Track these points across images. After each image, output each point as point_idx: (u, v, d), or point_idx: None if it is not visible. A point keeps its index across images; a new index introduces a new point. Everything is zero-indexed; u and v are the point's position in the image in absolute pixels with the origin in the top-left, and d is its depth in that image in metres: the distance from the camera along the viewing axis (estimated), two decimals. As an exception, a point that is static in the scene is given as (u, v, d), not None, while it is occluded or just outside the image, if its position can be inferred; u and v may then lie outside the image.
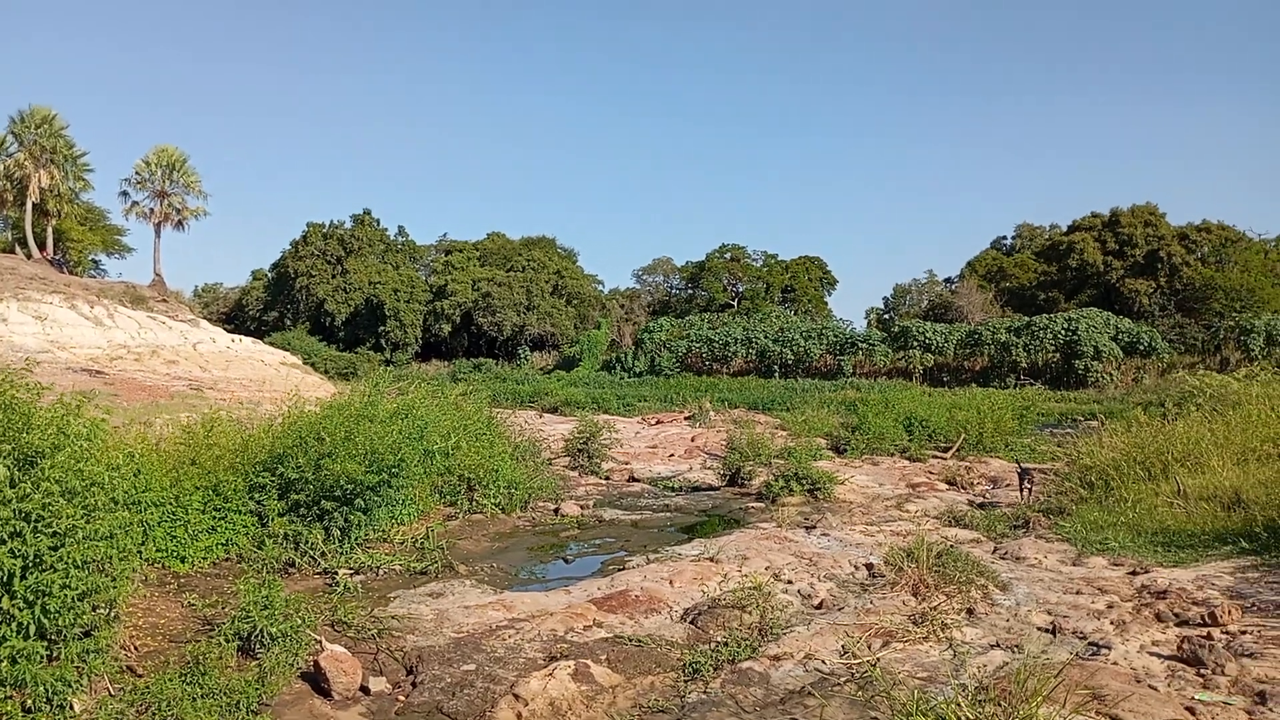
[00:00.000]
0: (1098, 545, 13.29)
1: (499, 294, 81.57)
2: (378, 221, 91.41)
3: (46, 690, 6.29)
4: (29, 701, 6.27)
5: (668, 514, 18.37)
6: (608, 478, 23.02)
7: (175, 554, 10.68)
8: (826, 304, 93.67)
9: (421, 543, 13.29)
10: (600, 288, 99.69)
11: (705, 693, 7.86)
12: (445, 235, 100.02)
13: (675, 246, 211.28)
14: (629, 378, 69.95)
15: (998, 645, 8.94)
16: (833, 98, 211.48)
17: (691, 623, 9.93)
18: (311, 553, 11.77)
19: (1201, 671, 7.74)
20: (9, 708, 6.18)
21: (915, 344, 64.66)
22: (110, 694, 6.97)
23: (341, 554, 12.09)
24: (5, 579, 6.25)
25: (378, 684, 8.00)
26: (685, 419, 39.77)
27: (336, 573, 11.44)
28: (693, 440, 31.13)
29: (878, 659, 8.45)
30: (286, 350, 49.81)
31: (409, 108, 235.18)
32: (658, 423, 38.93)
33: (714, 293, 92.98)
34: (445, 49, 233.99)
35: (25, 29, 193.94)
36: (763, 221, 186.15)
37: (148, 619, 8.86)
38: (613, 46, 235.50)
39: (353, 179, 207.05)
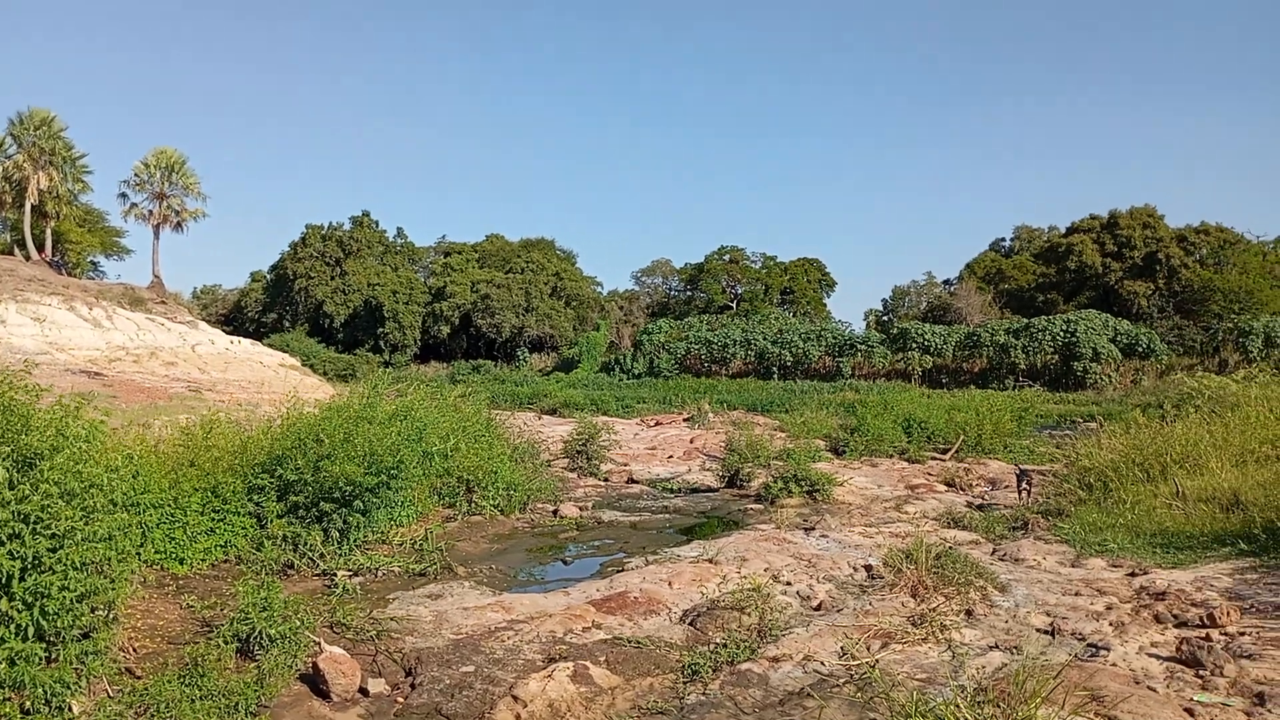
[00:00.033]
0: (1096, 547, 13.30)
1: (498, 296, 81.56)
2: (376, 223, 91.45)
3: (45, 692, 6.29)
4: (28, 703, 6.27)
5: (666, 515, 18.37)
6: (606, 479, 23.02)
7: (174, 556, 10.69)
8: (825, 306, 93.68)
9: (420, 544, 13.29)
10: (599, 289, 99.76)
11: (704, 694, 7.86)
12: (444, 237, 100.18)
13: (674, 248, 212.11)
14: (628, 379, 69.92)
15: (996, 646, 8.94)
16: (831, 99, 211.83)
17: (690, 624, 9.93)
18: (310, 554, 11.77)
19: (1200, 673, 7.74)
20: (8, 709, 6.18)
21: (914, 346, 64.65)
22: (109, 695, 6.97)
23: (340, 556, 12.09)
24: (4, 581, 6.25)
25: (376, 685, 8.00)
26: (684, 421, 39.77)
27: (335, 574, 11.44)
28: (691, 442, 31.14)
29: (876, 660, 8.45)
30: (285, 352, 49.84)
31: (407, 109, 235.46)
32: (656, 424, 38.93)
33: (713, 294, 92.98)
34: (443, 51, 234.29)
35: (24, 31, 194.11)
36: (761, 223, 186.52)
37: (146, 621, 8.86)
38: (611, 48, 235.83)
39: (351, 181, 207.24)
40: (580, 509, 17.97)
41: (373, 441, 12.14)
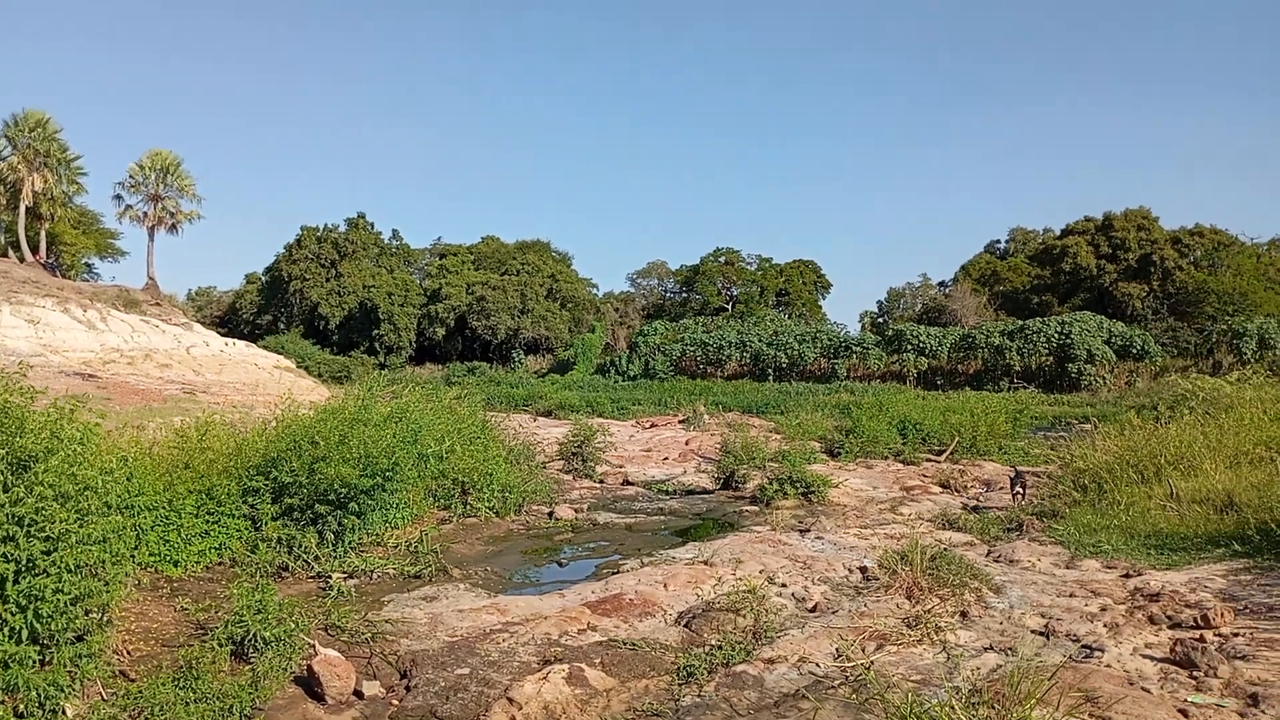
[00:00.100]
0: (1091, 548, 13.32)
1: (493, 297, 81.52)
2: (372, 225, 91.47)
3: (39, 695, 6.27)
4: (21, 706, 6.25)
5: (662, 517, 18.36)
6: (602, 481, 23.00)
7: (168, 558, 10.66)
8: (820, 307, 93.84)
9: (415, 546, 13.27)
10: (595, 291, 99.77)
11: (699, 696, 7.86)
12: (440, 239, 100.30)
13: (669, 250, 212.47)
14: (623, 381, 69.93)
15: (991, 648, 8.95)
16: (827, 101, 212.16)
17: (686, 626, 9.93)
18: (305, 556, 11.75)
19: (1194, 674, 7.76)
20: (2, 713, 6.16)
21: (909, 347, 64.77)
22: (103, 698, 6.96)
23: (335, 558, 12.06)
24: (-2, 584, 6.24)
25: (371, 688, 7.99)
26: (679, 422, 39.78)
27: (330, 577, 11.42)
28: (687, 444, 31.14)
29: (871, 662, 8.46)
30: (280, 354, 49.80)
31: (403, 111, 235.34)
32: (652, 426, 38.93)
33: (708, 296, 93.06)
34: (440, 52, 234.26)
35: (19, 32, 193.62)
36: (757, 225, 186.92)
37: (141, 623, 8.83)
38: (607, 49, 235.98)
39: (347, 182, 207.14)
40: (576, 511, 17.95)
41: (368, 444, 12.12)
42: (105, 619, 7.31)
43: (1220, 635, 8.79)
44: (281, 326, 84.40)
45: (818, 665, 8.54)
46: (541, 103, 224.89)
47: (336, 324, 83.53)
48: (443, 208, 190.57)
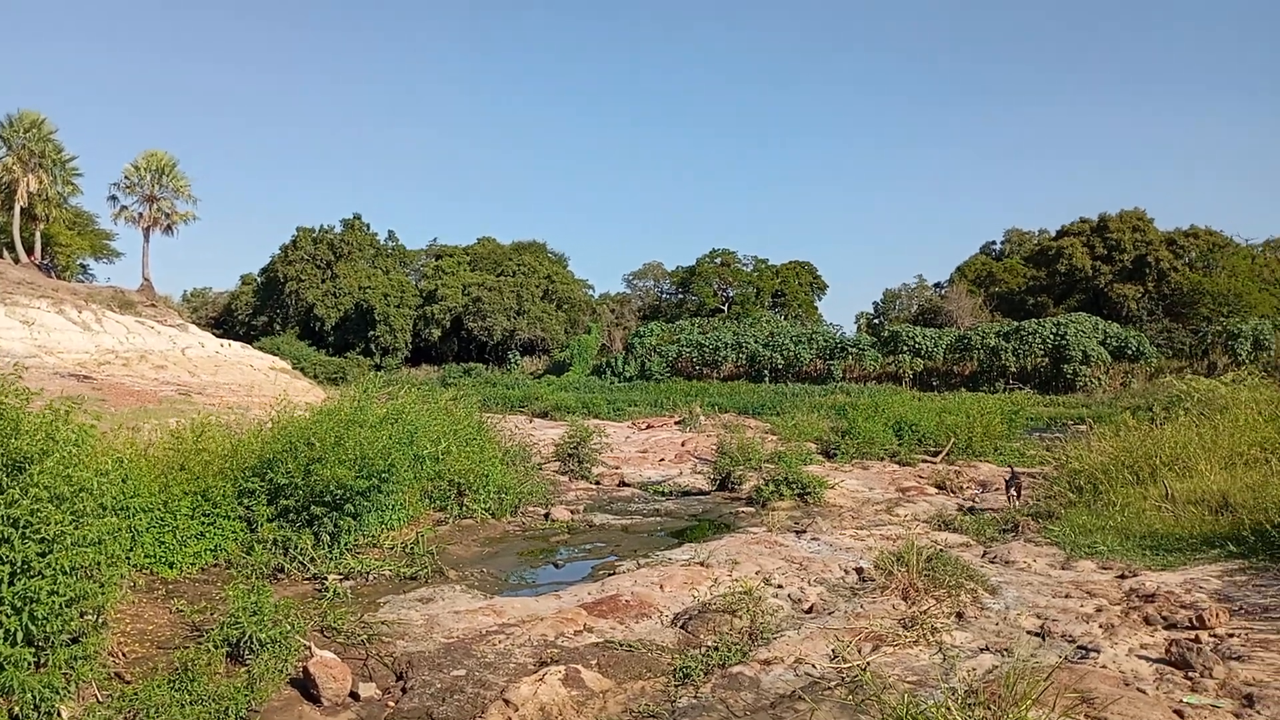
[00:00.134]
0: (1086, 549, 13.34)
1: (489, 299, 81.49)
2: (368, 226, 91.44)
3: (34, 697, 6.26)
4: (16, 709, 6.24)
5: (658, 519, 18.36)
6: (598, 482, 23.00)
7: (164, 560, 10.64)
8: (816, 309, 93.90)
9: (411, 548, 13.25)
10: (590, 292, 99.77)
11: (696, 697, 7.86)
12: (435, 240, 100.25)
13: (665, 251, 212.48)
14: (619, 382, 69.94)
15: (987, 649, 8.96)
16: (823, 103, 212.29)
17: (682, 627, 9.93)
18: (301, 558, 11.73)
19: (1190, 674, 7.78)
20: (-4, 715, 6.16)
21: (905, 348, 64.83)
22: (98, 701, 6.94)
23: (331, 559, 12.05)
24: (-8, 585, 6.22)
25: (367, 690, 7.98)
26: (675, 424, 39.79)
27: (326, 578, 11.41)
28: (683, 445, 31.14)
29: (868, 663, 8.46)
30: (275, 355, 49.76)
31: (399, 112, 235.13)
32: (648, 427, 38.94)
33: (704, 297, 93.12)
34: (435, 53, 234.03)
35: (15, 32, 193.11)
36: (753, 226, 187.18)
37: (136, 625, 8.82)
38: (604, 51, 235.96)
39: (343, 184, 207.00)
40: (572, 512, 17.94)
41: (364, 445, 12.11)
42: (100, 621, 7.29)
43: (1215, 636, 8.80)
44: (277, 328, 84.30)
45: (814, 666, 8.55)
46: (538, 104, 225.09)
47: (332, 325, 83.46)
48: (439, 209, 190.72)
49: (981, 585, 11.22)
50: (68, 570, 6.59)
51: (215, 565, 11.24)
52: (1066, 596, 10.90)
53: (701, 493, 21.60)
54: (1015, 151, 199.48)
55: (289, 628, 8.35)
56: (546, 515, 17.55)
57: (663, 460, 27.88)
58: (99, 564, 7.07)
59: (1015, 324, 64.06)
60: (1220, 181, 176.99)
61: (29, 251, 45.83)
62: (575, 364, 76.16)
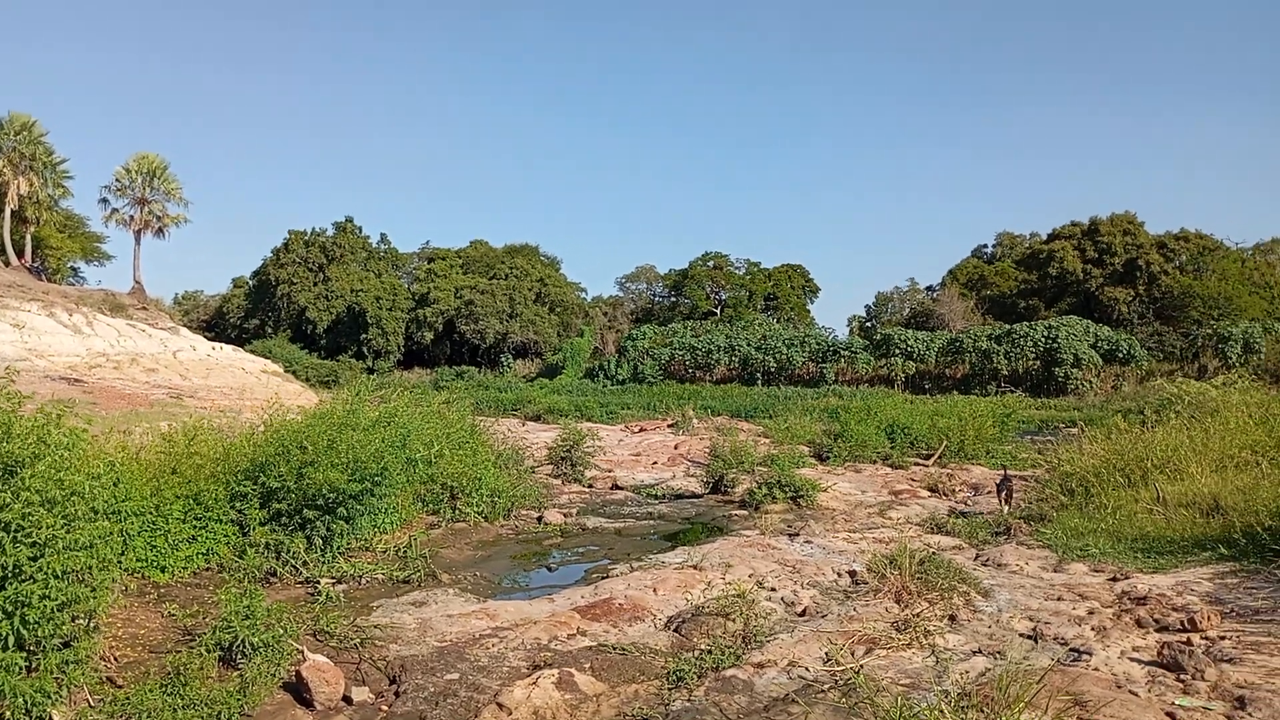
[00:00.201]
0: (1078, 552, 13.38)
1: (482, 302, 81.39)
2: (360, 229, 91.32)
3: (25, 702, 6.23)
4: (8, 713, 6.21)
5: (651, 522, 18.36)
6: (591, 485, 22.99)
7: (155, 564, 10.59)
8: (809, 312, 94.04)
9: (404, 551, 13.23)
10: (583, 295, 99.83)
11: (689, 700, 7.86)
12: (428, 243, 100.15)
13: (658, 254, 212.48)
14: (612, 385, 69.93)
15: (980, 652, 8.98)
16: (816, 106, 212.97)
17: (675, 630, 9.93)
18: (293, 562, 11.69)
19: (1181, 677, 7.81)
20: (-13, 720, 6.13)
21: (897, 351, 64.99)
22: (90, 705, 6.91)
23: (324, 563, 12.00)
24: (-16, 589, 6.20)
25: (360, 694, 7.96)
26: (668, 427, 39.80)
27: (319, 582, 11.37)
28: (676, 448, 31.15)
29: (861, 666, 8.47)
30: (267, 358, 49.65)
31: (392, 115, 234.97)
32: (641, 430, 38.93)
33: (697, 300, 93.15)
34: (429, 56, 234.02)
35: (5, 34, 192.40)
36: (745, 229, 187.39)
37: (128, 629, 8.78)
38: (597, 55, 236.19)
39: (335, 186, 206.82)
40: (565, 515, 17.93)
41: (356, 448, 12.08)
42: (92, 625, 7.27)
43: (1207, 638, 8.84)
44: (269, 331, 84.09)
45: (807, 669, 8.55)
46: (531, 107, 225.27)
47: (324, 328, 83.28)
48: (431, 211, 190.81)
49: (974, 588, 11.25)
50: (59, 574, 6.57)
51: (207, 569, 11.19)
52: (1059, 599, 10.93)
53: (694, 496, 21.61)
54: (1007, 155, 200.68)
55: (281, 632, 8.32)
56: (540, 518, 17.52)
57: (656, 463, 27.87)
58: (91, 568, 7.04)
59: (1007, 327, 64.30)
60: (1211, 185, 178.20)
61: (19, 254, 45.69)
62: (568, 367, 76.14)
